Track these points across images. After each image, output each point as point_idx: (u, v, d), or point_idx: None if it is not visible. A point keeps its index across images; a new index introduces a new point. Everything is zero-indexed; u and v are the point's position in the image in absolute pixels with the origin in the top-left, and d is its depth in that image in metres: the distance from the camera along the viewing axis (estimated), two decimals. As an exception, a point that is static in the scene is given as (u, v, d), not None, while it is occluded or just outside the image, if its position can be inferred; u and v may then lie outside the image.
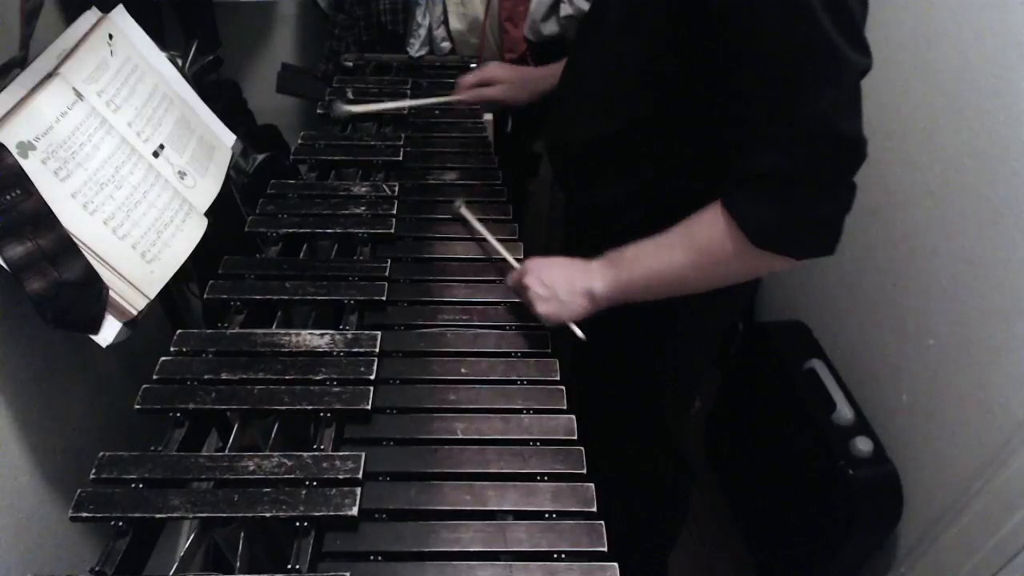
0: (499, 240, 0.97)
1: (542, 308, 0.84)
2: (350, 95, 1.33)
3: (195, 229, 0.91)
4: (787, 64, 0.63)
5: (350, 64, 1.48)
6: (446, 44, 1.50)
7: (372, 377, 0.80)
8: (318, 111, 1.29)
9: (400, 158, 1.16)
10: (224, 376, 0.79)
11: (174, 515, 0.67)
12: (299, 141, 1.19)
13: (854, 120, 0.66)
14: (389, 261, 0.96)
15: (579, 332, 0.85)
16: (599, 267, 0.82)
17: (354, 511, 0.67)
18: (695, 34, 0.70)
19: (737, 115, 0.69)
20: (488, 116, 1.45)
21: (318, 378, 0.79)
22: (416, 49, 1.50)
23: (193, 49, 1.15)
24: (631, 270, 0.79)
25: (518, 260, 0.94)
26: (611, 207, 0.91)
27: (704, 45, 0.69)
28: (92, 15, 0.89)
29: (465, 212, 1.02)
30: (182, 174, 0.93)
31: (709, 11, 0.66)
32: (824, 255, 0.72)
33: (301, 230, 1.01)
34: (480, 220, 1.01)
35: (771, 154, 0.67)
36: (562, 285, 0.83)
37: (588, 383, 1.09)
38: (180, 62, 1.06)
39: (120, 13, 0.92)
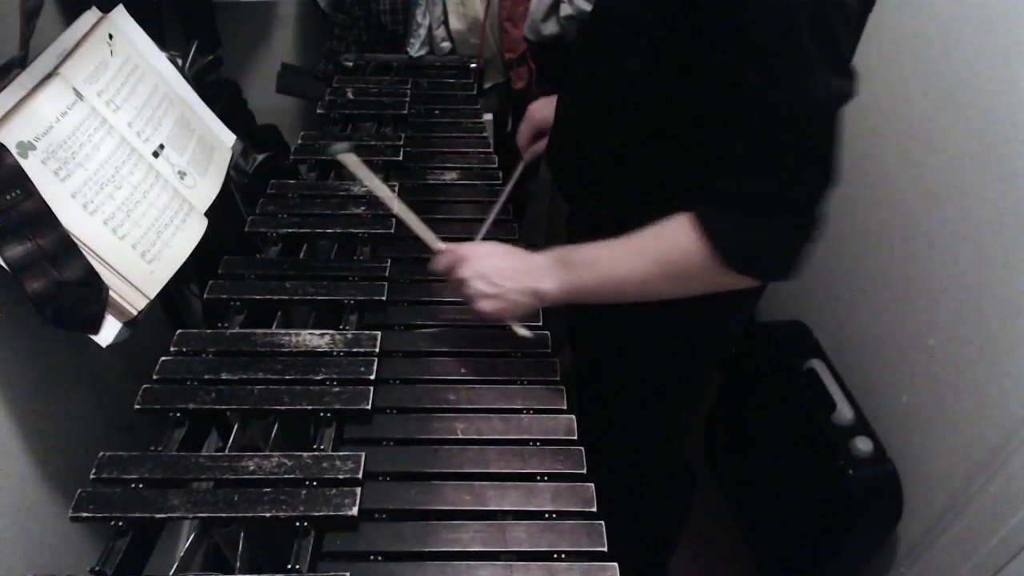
0: (419, 218, 0.84)
1: (485, 306, 0.78)
2: (350, 93, 1.33)
3: (195, 229, 0.91)
4: (768, 89, 0.63)
5: (350, 64, 1.48)
6: (446, 44, 1.50)
7: (372, 377, 0.80)
8: (318, 111, 1.29)
9: (400, 158, 1.16)
10: (224, 376, 0.79)
11: (174, 515, 0.67)
12: (299, 141, 1.19)
13: (832, 161, 0.67)
14: (389, 261, 0.96)
15: (525, 332, 0.82)
16: (549, 266, 0.78)
17: (354, 511, 0.67)
18: (693, 62, 0.68)
19: (721, 134, 0.68)
20: (488, 116, 1.45)
21: (318, 378, 0.79)
22: (416, 49, 1.50)
23: (193, 49, 1.15)
24: (587, 274, 0.76)
25: (436, 239, 0.84)
26: (617, 221, 0.88)
27: (702, 73, 0.68)
28: (92, 15, 0.89)
29: (349, 160, 0.83)
30: (182, 174, 0.93)
31: (708, 44, 0.65)
32: (783, 279, 0.72)
33: (301, 230, 1.01)
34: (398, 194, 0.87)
35: (757, 178, 0.66)
36: (508, 283, 0.77)
37: (591, 389, 1.09)
38: (180, 62, 1.06)
39: (120, 13, 0.92)
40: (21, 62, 0.80)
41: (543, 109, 1.04)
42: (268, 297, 0.91)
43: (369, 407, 0.77)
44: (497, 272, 0.78)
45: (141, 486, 0.69)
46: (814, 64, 0.61)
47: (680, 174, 0.79)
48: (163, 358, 0.81)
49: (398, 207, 0.84)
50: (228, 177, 1.03)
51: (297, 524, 0.67)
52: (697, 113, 0.70)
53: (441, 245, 0.83)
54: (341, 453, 0.72)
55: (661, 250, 0.73)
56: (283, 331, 0.85)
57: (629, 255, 0.75)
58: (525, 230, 1.03)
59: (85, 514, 0.67)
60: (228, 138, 1.07)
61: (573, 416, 0.79)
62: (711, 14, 0.63)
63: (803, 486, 1.34)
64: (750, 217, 0.68)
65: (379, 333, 0.85)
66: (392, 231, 1.01)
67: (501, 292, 0.77)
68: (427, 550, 0.67)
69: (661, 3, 0.68)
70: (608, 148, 0.83)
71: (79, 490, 0.68)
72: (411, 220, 0.84)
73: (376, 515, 0.69)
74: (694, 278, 0.73)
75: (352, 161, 0.83)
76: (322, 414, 0.77)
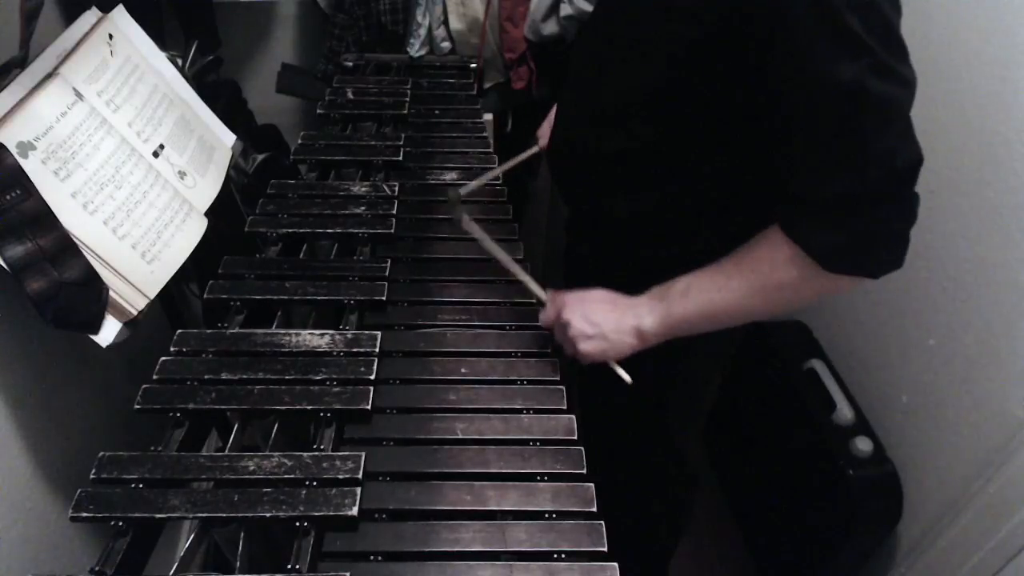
0: (521, 267, 0.88)
1: (587, 347, 0.80)
2: (350, 93, 1.33)
3: (195, 229, 0.91)
4: (842, 97, 0.61)
5: (350, 64, 1.48)
6: (446, 44, 1.50)
7: (372, 377, 0.80)
8: (318, 111, 1.29)
9: (400, 158, 1.16)
10: (224, 376, 0.79)
11: (174, 515, 0.67)
12: (299, 141, 1.19)
13: (912, 137, 0.64)
14: (389, 261, 0.96)
15: (624, 374, 0.82)
16: (647, 302, 0.78)
17: (354, 511, 0.67)
18: (729, 63, 0.67)
19: (791, 145, 0.67)
20: (488, 116, 1.45)
21: (318, 378, 0.79)
22: (416, 49, 1.50)
23: (193, 49, 1.16)
24: (685, 304, 0.76)
25: (543, 292, 0.87)
26: (618, 221, 0.89)
27: (741, 74, 0.67)
28: (92, 15, 0.89)
29: (469, 225, 0.88)
30: (182, 174, 0.93)
31: (748, 44, 0.64)
32: (896, 269, 0.68)
33: (301, 230, 1.01)
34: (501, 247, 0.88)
35: (834, 182, 0.64)
36: (609, 323, 0.79)
37: (592, 390, 1.09)
38: (180, 62, 1.06)
39: (120, 13, 0.92)
40: (21, 62, 0.80)
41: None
42: (268, 297, 0.91)
43: (369, 407, 0.77)
44: (596, 313, 0.79)
45: (141, 486, 0.69)
46: (866, 48, 0.59)
47: (709, 175, 0.78)
48: (163, 358, 0.81)
49: (514, 267, 0.87)
50: (228, 177, 1.03)
51: (297, 524, 0.67)
52: (752, 123, 0.69)
53: (546, 296, 0.85)
54: (341, 453, 0.72)
55: (757, 269, 0.71)
56: (283, 331, 0.85)
57: (724, 280, 0.74)
58: (525, 230, 1.03)
59: (85, 514, 0.67)
60: (228, 138, 1.07)
61: (573, 416, 0.79)
62: (748, 12, 0.63)
63: (803, 486, 1.34)
64: (839, 219, 0.66)
65: (379, 333, 0.85)
66: (392, 231, 1.01)
67: (601, 332, 0.79)
68: (427, 550, 0.67)
69: (691, 7, 0.67)
70: (615, 148, 0.82)
71: (79, 490, 0.68)
72: (521, 276, 0.87)
73: (376, 515, 0.69)
74: (800, 289, 0.71)
75: (475, 229, 0.87)
76: (322, 414, 0.77)
